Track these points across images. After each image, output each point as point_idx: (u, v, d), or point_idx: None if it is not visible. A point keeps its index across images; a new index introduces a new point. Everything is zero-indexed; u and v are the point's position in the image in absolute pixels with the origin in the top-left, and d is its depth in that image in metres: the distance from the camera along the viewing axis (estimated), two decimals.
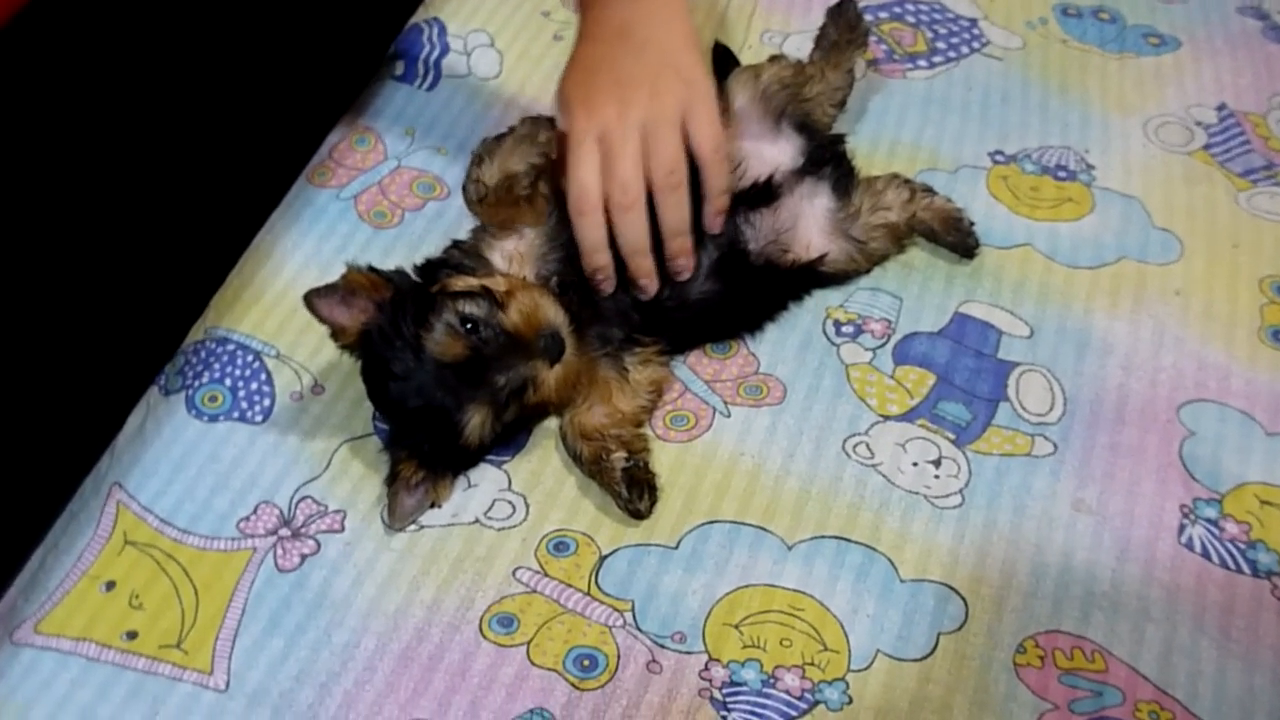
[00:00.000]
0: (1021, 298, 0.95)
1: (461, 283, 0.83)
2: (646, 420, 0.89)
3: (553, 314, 0.82)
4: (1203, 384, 0.90)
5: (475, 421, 0.80)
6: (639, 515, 0.83)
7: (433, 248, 0.95)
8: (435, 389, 0.79)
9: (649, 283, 0.88)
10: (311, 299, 0.82)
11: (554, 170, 0.88)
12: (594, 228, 0.85)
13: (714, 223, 0.89)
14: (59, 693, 0.77)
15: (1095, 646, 0.77)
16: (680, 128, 0.85)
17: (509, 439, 0.87)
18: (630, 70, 0.86)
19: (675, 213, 0.86)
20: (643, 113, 0.84)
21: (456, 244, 0.91)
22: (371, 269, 0.85)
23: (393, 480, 0.83)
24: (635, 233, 0.85)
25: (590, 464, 0.85)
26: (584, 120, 0.85)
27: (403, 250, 0.99)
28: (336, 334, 0.84)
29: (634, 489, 0.83)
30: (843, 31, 1.03)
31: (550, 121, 0.88)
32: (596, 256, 0.86)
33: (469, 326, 0.80)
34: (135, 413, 0.91)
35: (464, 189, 0.89)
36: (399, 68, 1.15)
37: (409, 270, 0.88)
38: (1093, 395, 0.89)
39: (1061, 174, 1.04)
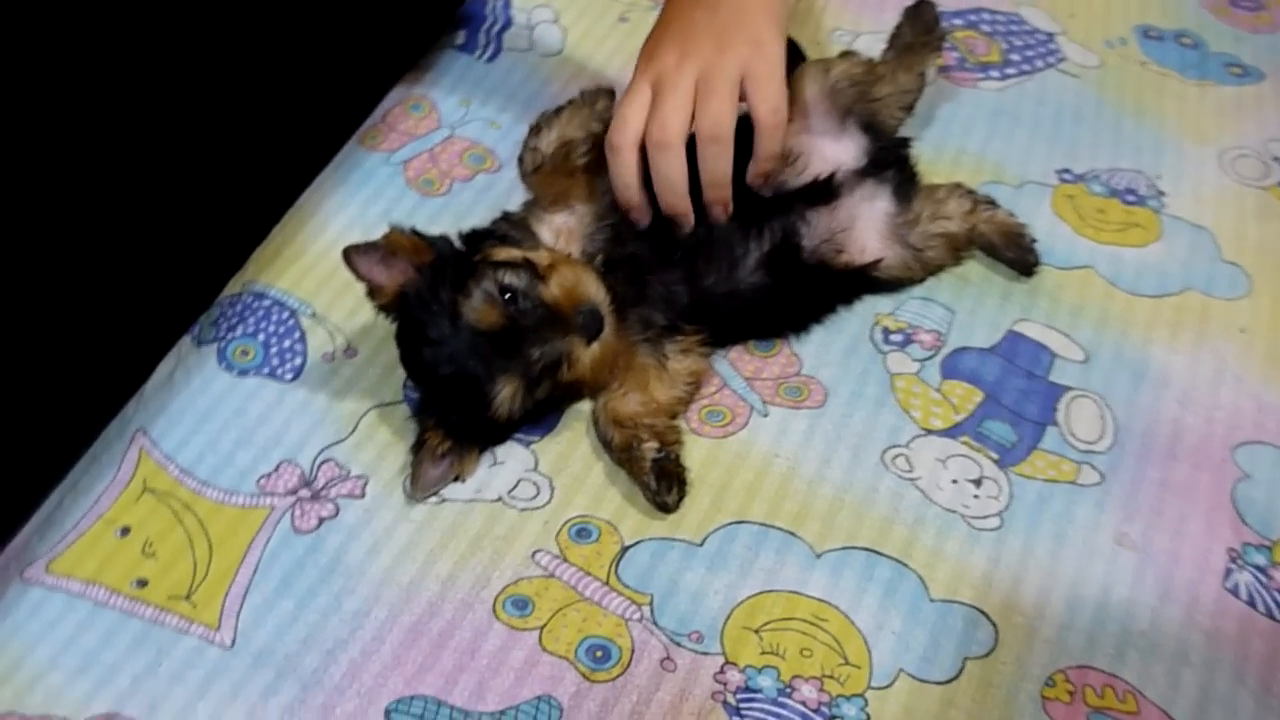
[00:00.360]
0: (1079, 321, 0.92)
1: (504, 253, 0.82)
2: (682, 412, 0.86)
3: (593, 291, 0.80)
4: (1261, 425, 0.86)
5: (505, 393, 0.78)
6: (666, 508, 0.81)
7: (479, 220, 0.93)
8: (468, 357, 0.78)
9: (683, 219, 0.86)
10: (350, 254, 0.81)
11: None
12: (624, 165, 0.84)
13: (755, 180, 0.87)
14: (64, 634, 0.76)
15: (1128, 687, 0.74)
16: (738, 86, 0.83)
17: (539, 418, 0.85)
18: (699, 25, 0.85)
19: (714, 164, 0.84)
20: (701, 64, 0.83)
21: (506, 215, 0.90)
22: (415, 232, 0.83)
23: (418, 448, 0.81)
24: (669, 171, 0.84)
25: (620, 452, 0.82)
26: (644, 67, 0.86)
27: (448, 220, 0.97)
28: (373, 292, 0.82)
29: (663, 481, 0.81)
30: (918, 33, 1.00)
31: (610, 92, 0.87)
32: (627, 194, 0.85)
33: (508, 296, 0.78)
34: (166, 361, 0.90)
35: (520, 159, 0.88)
36: (460, 37, 1.14)
37: (453, 238, 0.86)
38: (1145, 427, 0.86)
39: (1130, 198, 1.01)
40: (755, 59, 0.84)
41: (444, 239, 0.85)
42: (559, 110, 0.87)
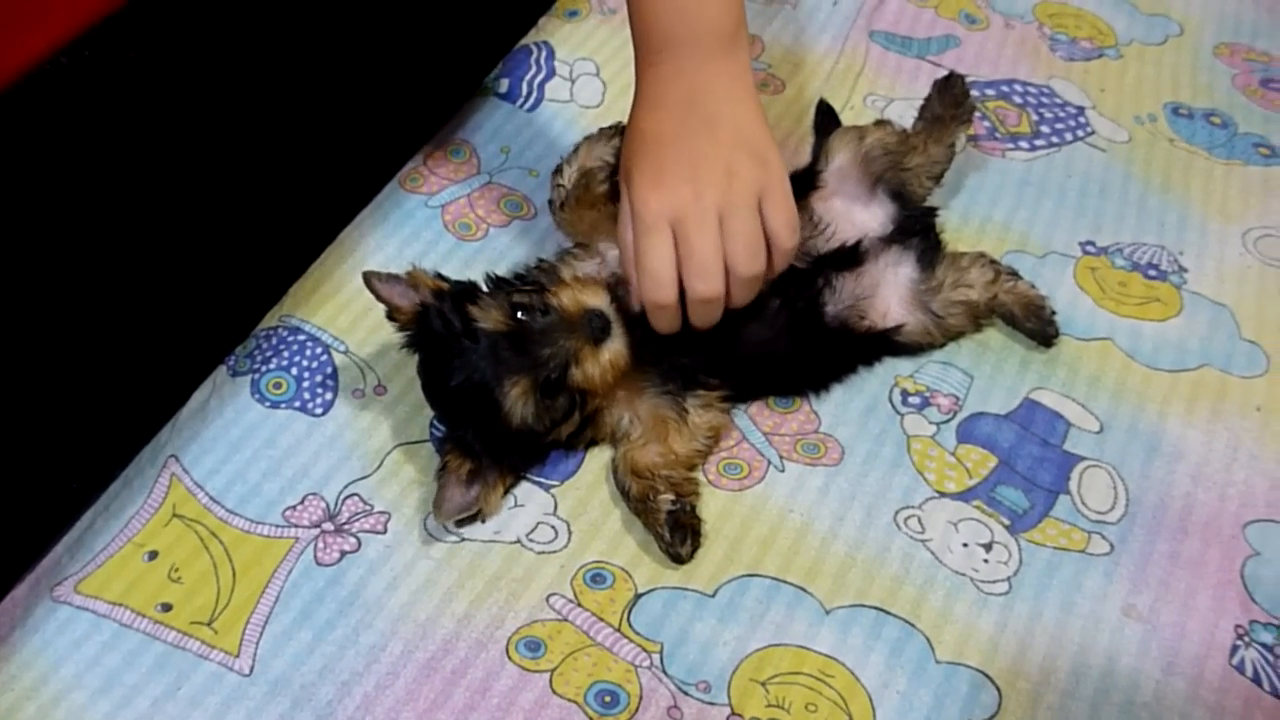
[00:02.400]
0: (1095, 392, 0.93)
1: (522, 294, 0.85)
2: (700, 464, 0.88)
3: (599, 300, 0.83)
4: (1274, 505, 0.87)
5: (515, 393, 0.80)
6: (679, 560, 0.82)
7: (512, 267, 0.96)
8: (478, 363, 0.80)
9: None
10: (371, 278, 0.86)
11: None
12: (669, 319, 0.84)
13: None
14: (89, 654, 0.78)
15: None
16: (758, 211, 0.82)
17: (561, 446, 0.88)
18: (702, 148, 0.82)
19: (746, 296, 0.84)
20: (719, 196, 0.81)
21: (538, 262, 0.93)
22: (439, 275, 0.87)
23: (441, 473, 0.83)
24: (711, 319, 0.85)
25: (637, 501, 0.84)
26: (655, 201, 0.82)
27: (482, 264, 0.99)
28: (392, 313, 0.86)
29: (677, 533, 0.82)
30: (947, 106, 1.02)
31: (618, 129, 0.92)
32: (668, 332, 0.85)
33: (518, 313, 0.82)
34: (201, 389, 0.92)
35: (550, 202, 0.93)
36: (503, 86, 1.17)
37: (480, 282, 0.88)
38: (1157, 500, 0.87)
39: (1152, 272, 1.02)
40: (766, 178, 0.83)
41: (470, 283, 0.88)
42: (575, 148, 0.93)
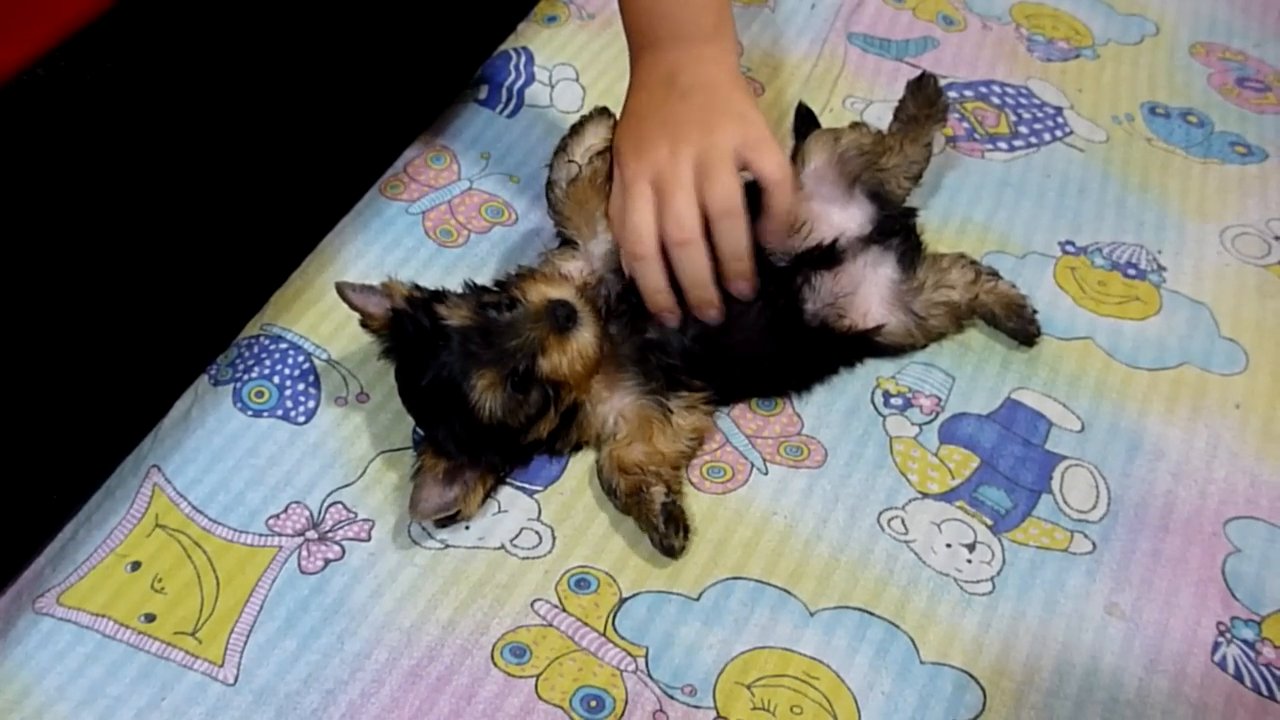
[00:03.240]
0: (1076, 391, 0.94)
1: (491, 294, 0.86)
2: (685, 465, 0.88)
3: (564, 291, 0.84)
4: (1254, 501, 0.88)
5: (481, 385, 0.80)
6: (672, 552, 0.82)
7: (493, 272, 0.96)
8: (446, 360, 0.80)
9: (715, 313, 0.87)
10: (344, 289, 0.87)
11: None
12: (652, 272, 0.85)
13: (774, 239, 0.89)
14: (72, 665, 0.78)
15: None
16: (735, 160, 0.85)
17: (545, 448, 0.88)
18: (679, 113, 0.87)
19: (732, 239, 0.85)
20: (695, 150, 0.85)
21: (518, 268, 0.93)
22: (415, 286, 0.88)
23: (417, 472, 0.83)
24: (695, 268, 0.85)
25: (628, 496, 0.84)
26: (634, 164, 0.87)
27: (463, 271, 0.99)
28: (366, 320, 0.87)
29: (671, 524, 0.82)
30: (921, 106, 1.02)
31: (607, 110, 0.95)
32: (659, 298, 0.86)
33: (484, 309, 0.82)
34: (183, 399, 0.92)
35: (551, 185, 0.92)
36: (483, 92, 1.17)
37: (457, 289, 0.88)
38: (1138, 498, 0.87)
39: (1131, 272, 1.03)
40: (746, 131, 0.86)
41: (445, 290, 0.88)
42: (576, 130, 0.93)
